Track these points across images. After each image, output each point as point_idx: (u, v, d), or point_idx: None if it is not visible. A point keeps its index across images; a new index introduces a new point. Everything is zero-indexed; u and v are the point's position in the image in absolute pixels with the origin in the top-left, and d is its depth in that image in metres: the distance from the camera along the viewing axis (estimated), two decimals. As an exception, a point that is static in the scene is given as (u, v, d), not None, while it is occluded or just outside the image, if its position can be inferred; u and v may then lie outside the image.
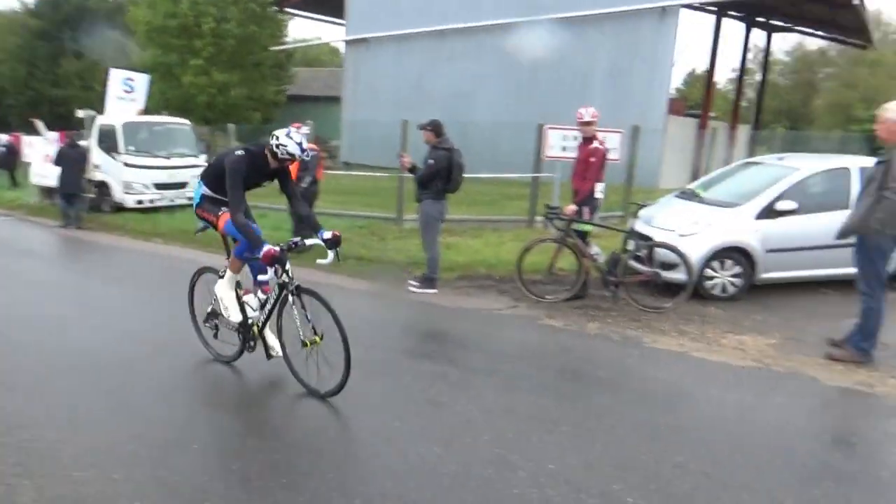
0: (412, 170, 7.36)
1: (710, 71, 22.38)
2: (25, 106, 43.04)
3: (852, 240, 5.08)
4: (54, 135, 15.91)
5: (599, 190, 6.83)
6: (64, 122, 23.88)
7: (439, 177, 7.10)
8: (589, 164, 6.71)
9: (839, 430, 4.23)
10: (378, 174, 14.03)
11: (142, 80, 14.60)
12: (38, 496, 3.16)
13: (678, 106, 22.24)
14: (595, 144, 6.77)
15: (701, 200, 7.56)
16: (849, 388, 4.65)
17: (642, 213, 7.32)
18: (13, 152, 19.37)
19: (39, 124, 15.79)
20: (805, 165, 7.20)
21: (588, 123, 6.78)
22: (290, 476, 3.31)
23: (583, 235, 6.81)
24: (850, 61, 38.98)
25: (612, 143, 9.37)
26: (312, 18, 29.07)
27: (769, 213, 6.82)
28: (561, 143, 9.99)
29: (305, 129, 9.66)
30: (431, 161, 7.06)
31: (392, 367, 4.93)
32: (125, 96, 14.00)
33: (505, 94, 19.90)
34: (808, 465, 3.59)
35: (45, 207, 14.41)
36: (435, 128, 7.21)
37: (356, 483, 3.25)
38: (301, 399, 4.30)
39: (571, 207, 6.67)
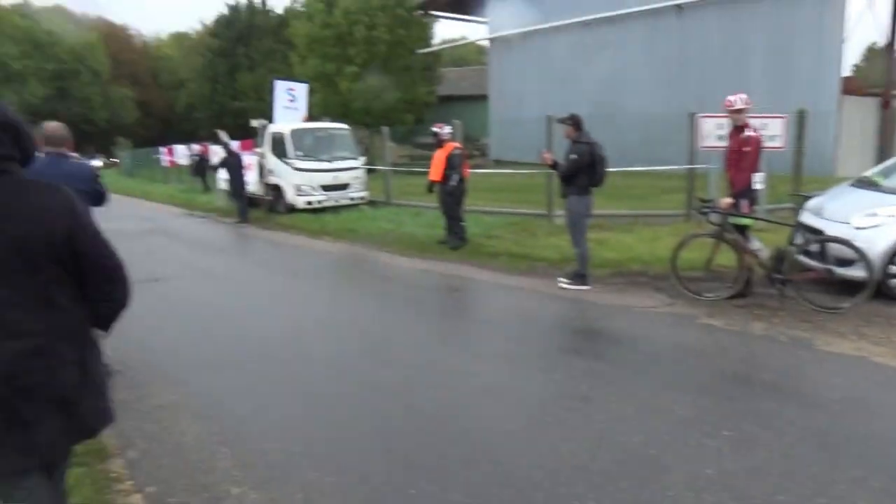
0: (553, 166, 7.40)
1: (891, 44, 19.96)
2: (211, 118, 48.06)
3: None
4: (236, 143, 17.70)
5: (758, 180, 6.43)
6: (244, 131, 26.41)
7: (583, 171, 7.08)
8: (742, 153, 6.33)
9: None
10: (527, 171, 14.09)
11: (301, 90, 15.84)
12: (234, 462, 3.64)
13: (855, 85, 20.05)
14: (748, 133, 6.36)
15: (880, 189, 6.86)
16: None
17: (810, 204, 6.78)
18: (203, 160, 21.77)
19: (222, 134, 17.56)
20: None
21: (739, 111, 6.39)
22: (445, 461, 3.53)
23: (742, 230, 6.46)
24: None
25: (773, 129, 8.77)
26: (456, 19, 29.66)
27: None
28: (716, 132, 9.48)
29: (448, 129, 10.02)
30: (574, 156, 7.05)
31: (543, 362, 5.03)
32: (289, 105, 15.28)
33: (655, 83, 19.14)
34: None
35: (231, 208, 16.11)
36: (575, 122, 7.20)
37: (509, 475, 3.39)
38: (457, 392, 4.53)
39: (727, 200, 6.35)
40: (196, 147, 22.60)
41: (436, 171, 9.90)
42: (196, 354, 5.54)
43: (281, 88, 15.49)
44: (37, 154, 4.82)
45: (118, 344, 5.79)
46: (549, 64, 21.99)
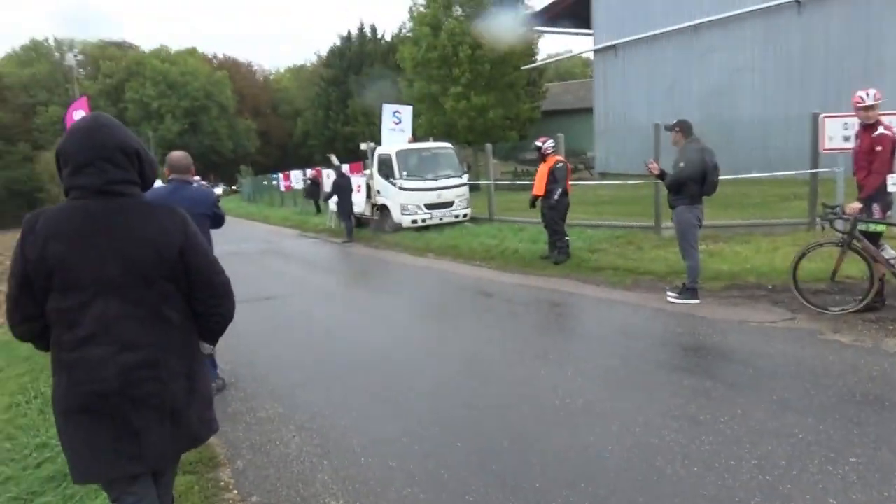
0: (661, 176, 7.10)
1: None
2: (325, 144, 50.47)
3: None
4: (346, 166, 18.44)
5: (892, 182, 5.85)
6: (354, 155, 27.44)
7: (692, 180, 6.75)
8: (874, 153, 5.78)
9: None
10: (633, 182, 13.66)
11: (407, 112, 16.29)
12: (333, 475, 3.72)
13: None
14: (880, 130, 5.81)
15: None
16: None
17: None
18: (316, 184, 22.82)
19: (334, 158, 18.36)
20: None
21: (870, 108, 5.85)
22: (543, 482, 3.43)
23: (874, 237, 5.90)
24: None
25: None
26: (561, 33, 29.41)
27: None
28: (842, 133, 8.74)
29: (551, 143, 9.89)
30: (682, 164, 6.74)
31: (650, 380, 4.80)
32: (395, 127, 15.74)
33: (773, 85, 17.98)
34: None
35: (340, 229, 16.76)
36: (683, 128, 6.89)
37: (608, 495, 3.24)
38: (557, 411, 4.41)
39: (855, 205, 5.82)
40: (310, 171, 23.73)
41: (539, 185, 9.81)
42: (302, 368, 5.75)
43: (388, 112, 16.00)
44: (163, 181, 5.25)
45: (232, 357, 6.17)
46: (656, 72, 21.28)
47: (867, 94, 5.87)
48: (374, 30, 52.85)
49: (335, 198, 15.71)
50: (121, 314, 2.16)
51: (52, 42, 61.65)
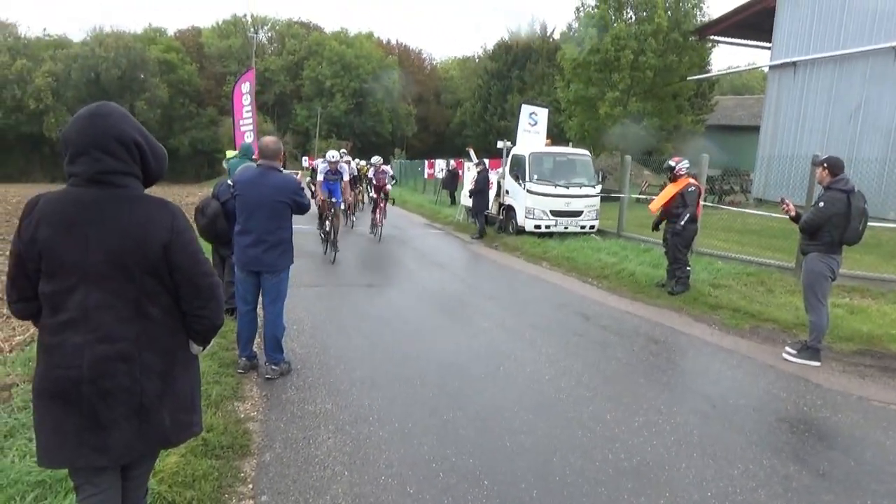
0: (795, 219, 6.27)
1: None
2: (478, 136, 51.02)
3: None
4: (477, 161, 18.39)
5: None
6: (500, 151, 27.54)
7: (832, 224, 5.88)
8: None
9: None
10: (784, 215, 12.28)
11: (543, 114, 15.86)
12: (348, 489, 3.61)
13: None
14: None
15: None
16: None
17: None
18: (455, 175, 22.98)
19: (471, 151, 18.38)
20: None
21: None
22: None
23: None
24: None
25: None
26: (738, 44, 27.25)
27: None
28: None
29: (685, 163, 9.06)
30: (822, 204, 5.89)
31: (725, 449, 4.20)
32: (530, 129, 15.39)
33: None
34: None
35: (468, 224, 16.74)
36: (831, 165, 6.02)
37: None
38: (605, 465, 3.99)
39: None
40: (452, 162, 23.94)
41: (657, 203, 9.14)
42: (369, 366, 5.71)
43: (525, 112, 15.70)
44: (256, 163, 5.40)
45: (308, 341, 6.30)
46: (839, 96, 19.03)
47: None
48: (543, 27, 52.42)
49: (465, 191, 15.71)
50: (101, 304, 2.16)
51: (249, 19, 67.35)
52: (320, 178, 12.57)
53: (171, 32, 65.70)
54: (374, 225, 14.67)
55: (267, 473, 3.76)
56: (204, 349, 2.52)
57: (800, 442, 4.40)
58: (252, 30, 66.50)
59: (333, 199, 11.91)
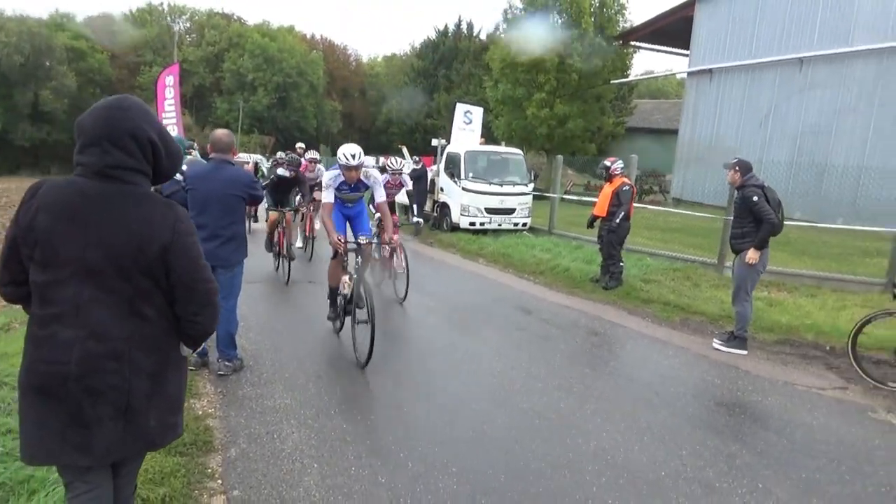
0: (760, 245, 6.39)
1: None
2: (405, 134, 50.97)
3: None
4: (416, 158, 18.46)
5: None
6: (433, 149, 27.69)
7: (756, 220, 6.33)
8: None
9: None
10: (707, 214, 13.05)
11: (478, 113, 16.15)
12: (319, 481, 3.63)
13: None
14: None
15: None
16: None
17: None
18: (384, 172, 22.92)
19: (404, 149, 18.44)
20: None
21: None
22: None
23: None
24: None
25: None
26: (657, 51, 28.52)
27: None
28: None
29: (620, 164, 9.51)
30: (755, 198, 6.27)
31: (672, 433, 4.49)
32: (465, 127, 15.63)
33: (876, 131, 16.83)
34: None
35: (402, 223, 16.75)
36: (742, 166, 6.49)
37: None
38: (564, 451, 4.18)
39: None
40: (382, 159, 23.86)
41: (601, 205, 9.48)
42: (324, 362, 5.72)
43: (460, 111, 15.92)
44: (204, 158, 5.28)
45: (258, 338, 6.21)
46: (751, 103, 20.30)
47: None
48: (470, 27, 52.92)
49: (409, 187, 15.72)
50: (93, 300, 2.10)
51: (166, 8, 64.63)
52: (328, 196, 6.17)
53: (80, 19, 62.24)
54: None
55: (235, 468, 3.73)
56: (194, 351, 2.48)
57: (738, 424, 4.74)
58: (169, 18, 63.88)
59: (363, 239, 6.08)
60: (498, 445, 4.18)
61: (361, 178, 6.24)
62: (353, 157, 5.92)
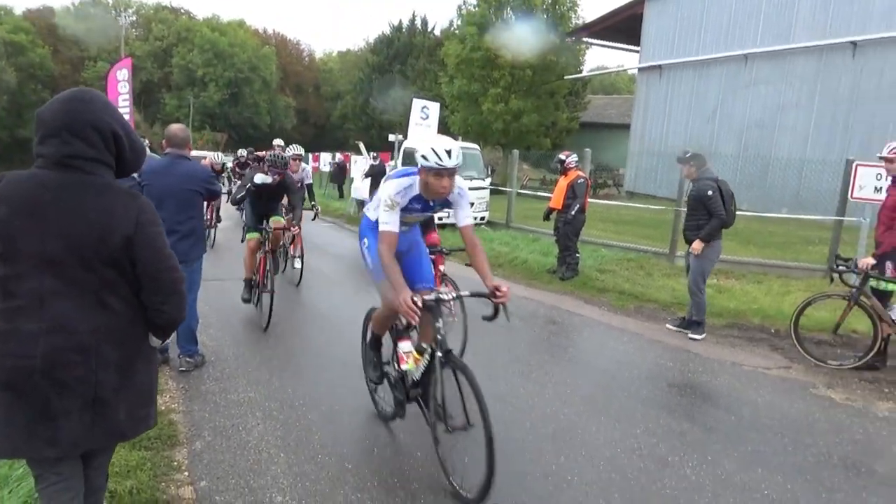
0: (707, 239, 6.59)
1: None
2: (360, 130, 50.66)
3: None
4: (374, 154, 18.45)
5: (911, 243, 5.62)
6: (389, 144, 27.68)
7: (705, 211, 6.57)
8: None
9: None
10: (659, 206, 13.42)
11: (434, 108, 16.26)
12: (286, 469, 3.69)
13: None
14: (908, 188, 5.60)
15: None
16: None
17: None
18: (342, 169, 22.84)
19: (361, 145, 18.41)
20: None
21: (888, 160, 5.65)
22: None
23: (884, 295, 5.68)
24: None
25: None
26: (610, 47, 29.08)
27: None
28: (875, 184, 8.45)
29: (574, 157, 9.73)
30: (709, 192, 6.51)
31: (627, 413, 4.67)
32: (422, 122, 15.70)
33: (816, 125, 17.57)
34: None
35: (356, 217, 16.72)
36: (697, 160, 6.73)
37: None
38: (524, 433, 4.31)
39: (868, 260, 5.62)
40: (339, 156, 23.77)
41: (556, 198, 9.67)
42: (286, 355, 5.72)
43: (416, 106, 15.99)
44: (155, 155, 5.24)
45: (218, 334, 6.17)
46: (699, 98, 20.94)
47: (888, 146, 5.66)
48: (424, 22, 52.97)
49: (366, 183, 15.73)
50: (56, 292, 2.09)
51: (110, 1, 62.72)
52: (390, 221, 3.64)
53: (18, 12, 59.88)
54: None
55: (201, 460, 3.74)
56: (163, 342, 2.49)
57: (689, 403, 4.96)
58: (113, 11, 62.01)
59: (445, 294, 3.84)
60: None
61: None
62: (451, 154, 3.51)
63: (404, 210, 3.70)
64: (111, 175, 2.22)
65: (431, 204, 3.80)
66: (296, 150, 9.74)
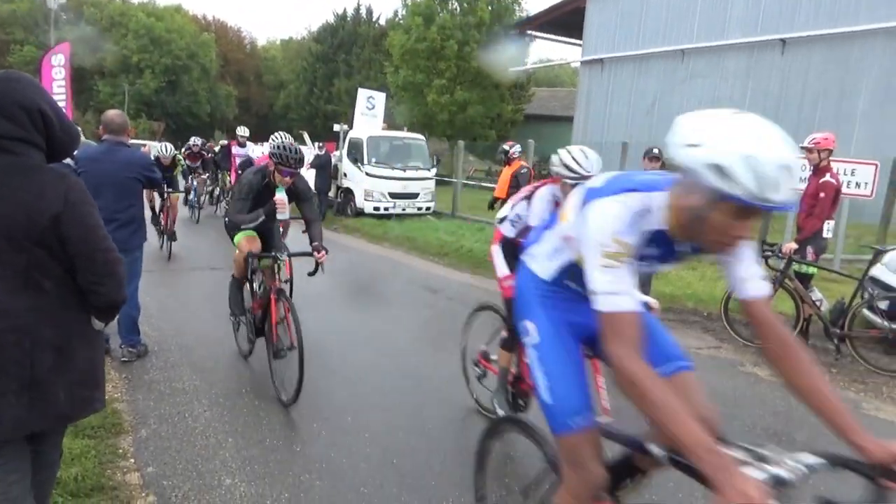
0: None
1: None
2: (304, 120, 49.90)
3: None
4: (320, 144, 18.28)
5: (828, 229, 6.02)
6: (333, 134, 27.38)
7: None
8: (817, 199, 5.94)
9: None
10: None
11: (380, 99, 16.23)
12: (235, 453, 3.72)
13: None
14: (826, 178, 5.98)
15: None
16: None
17: (888, 258, 6.26)
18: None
19: (305, 136, 18.21)
20: None
21: (808, 151, 6.03)
22: (438, 481, 3.45)
23: (806, 278, 6.05)
24: None
25: (862, 176, 8.21)
26: (553, 40, 29.49)
27: None
28: (799, 174, 8.93)
29: (518, 148, 9.92)
30: None
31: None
32: (367, 112, 15.67)
33: (749, 118, 18.31)
34: None
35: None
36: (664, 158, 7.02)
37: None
38: (468, 415, 4.43)
39: (791, 245, 5.97)
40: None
41: (501, 188, 9.84)
42: (230, 343, 5.68)
43: (362, 96, 15.93)
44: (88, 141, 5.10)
45: (160, 325, 6.08)
46: (639, 91, 21.50)
47: (815, 138, 6.02)
48: (369, 12, 52.45)
49: (311, 174, 15.59)
50: None
51: (37, -20, 59.80)
52: (612, 272, 1.83)
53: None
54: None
55: (147, 448, 3.73)
56: (106, 325, 2.47)
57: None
58: (41, -6, 59.19)
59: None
60: (406, 412, 4.39)
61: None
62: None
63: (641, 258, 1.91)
64: (41, 157, 2.19)
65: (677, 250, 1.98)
66: (242, 131, 9.67)
